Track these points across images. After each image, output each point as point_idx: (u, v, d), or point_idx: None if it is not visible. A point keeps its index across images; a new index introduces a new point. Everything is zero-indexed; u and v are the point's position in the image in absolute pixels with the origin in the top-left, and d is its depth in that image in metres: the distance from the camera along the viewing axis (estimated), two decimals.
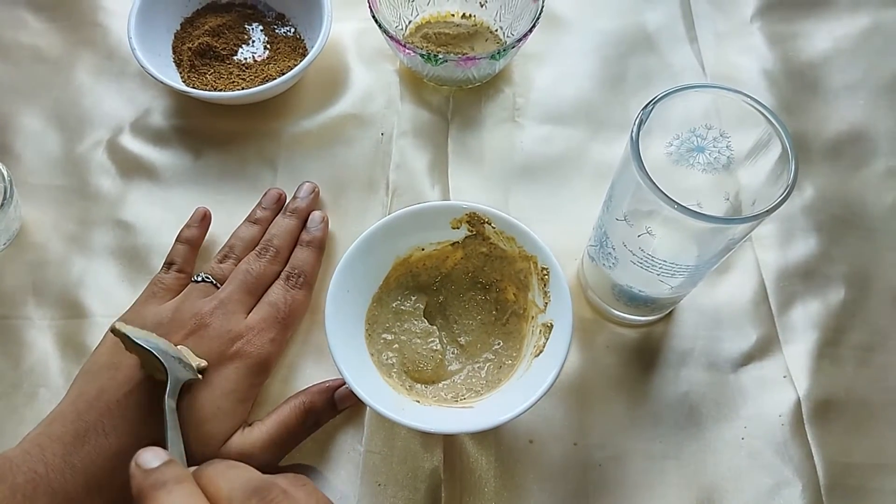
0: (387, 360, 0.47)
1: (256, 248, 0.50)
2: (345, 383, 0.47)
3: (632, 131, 0.39)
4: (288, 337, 0.49)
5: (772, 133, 0.40)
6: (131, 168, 0.58)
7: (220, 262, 0.50)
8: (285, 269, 0.50)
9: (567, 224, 0.55)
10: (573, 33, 0.66)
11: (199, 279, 0.48)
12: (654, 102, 0.40)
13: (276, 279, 0.49)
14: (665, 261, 0.42)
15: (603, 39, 0.65)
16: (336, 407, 0.47)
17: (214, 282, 0.48)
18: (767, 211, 0.37)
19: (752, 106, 0.40)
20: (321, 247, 0.52)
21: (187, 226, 0.52)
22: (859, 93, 0.63)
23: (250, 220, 0.53)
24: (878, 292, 0.53)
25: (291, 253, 0.51)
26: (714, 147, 0.43)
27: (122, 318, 0.46)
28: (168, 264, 0.50)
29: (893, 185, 0.58)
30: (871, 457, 0.48)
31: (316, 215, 0.53)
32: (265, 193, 0.55)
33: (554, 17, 0.66)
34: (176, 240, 0.51)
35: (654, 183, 0.37)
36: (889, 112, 0.62)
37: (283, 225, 0.52)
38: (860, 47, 0.66)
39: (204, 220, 0.53)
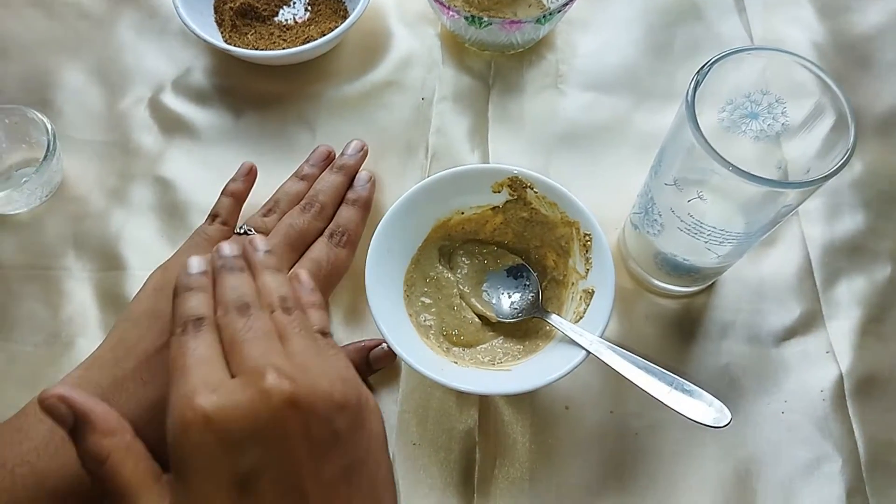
0: (425, 321, 0.47)
1: (301, 203, 0.49)
2: (380, 344, 0.47)
3: (687, 93, 0.38)
4: (328, 295, 0.48)
5: (826, 100, 0.39)
6: (172, 125, 0.58)
7: (265, 216, 0.49)
8: (329, 226, 0.49)
9: (608, 193, 0.54)
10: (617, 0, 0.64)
11: (242, 231, 0.48)
12: (710, 64, 0.39)
13: (319, 236, 0.48)
14: (714, 227, 0.41)
15: (649, 6, 0.64)
16: (371, 367, 0.47)
17: (256, 235, 0.48)
18: (826, 176, 0.36)
19: (810, 70, 0.39)
20: (367, 206, 0.51)
21: (233, 179, 0.51)
22: None
23: (297, 175, 0.52)
24: None
25: (336, 210, 0.50)
26: (769, 114, 0.42)
27: (163, 266, 0.46)
28: (212, 216, 0.49)
29: None
30: None
31: (363, 174, 0.52)
32: (314, 150, 0.54)
33: None
34: (221, 193, 0.51)
35: (710, 145, 0.36)
36: None
37: (329, 181, 0.51)
38: None
39: (250, 174, 0.52)
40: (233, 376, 0.30)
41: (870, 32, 0.63)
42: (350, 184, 0.52)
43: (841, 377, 0.48)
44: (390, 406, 0.47)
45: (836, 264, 0.52)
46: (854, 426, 0.47)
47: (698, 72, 0.39)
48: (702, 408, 0.37)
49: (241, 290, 0.34)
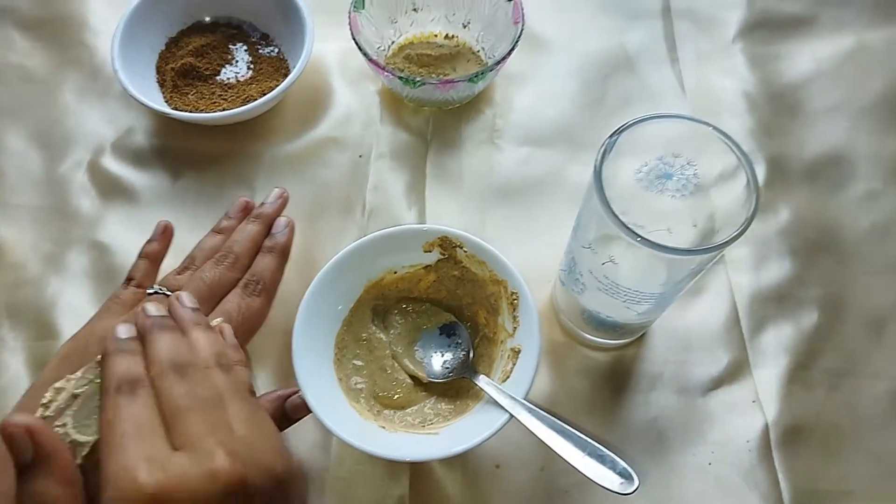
0: (355, 384, 0.47)
1: (216, 256, 0.48)
2: (296, 392, 0.45)
3: (595, 161, 0.39)
4: (245, 345, 0.47)
5: (736, 163, 0.40)
6: (110, 188, 0.58)
7: (179, 274, 0.48)
8: (245, 276, 0.48)
9: (543, 247, 0.55)
10: (555, 54, 0.66)
11: (153, 291, 0.47)
12: (618, 132, 0.40)
13: (235, 287, 0.47)
14: (630, 289, 0.42)
15: (585, 61, 0.65)
16: (289, 417, 0.44)
17: (169, 293, 0.47)
18: (725, 243, 0.37)
19: (718, 136, 0.40)
20: (284, 253, 0.50)
21: (149, 240, 0.51)
22: (840, 115, 0.63)
23: (215, 229, 0.52)
24: (852, 317, 0.53)
25: (253, 260, 0.49)
26: (682, 175, 0.44)
27: (74, 336, 0.45)
28: (127, 279, 0.49)
29: (870, 208, 0.58)
30: (838, 483, 0.48)
31: (281, 220, 0.51)
32: (233, 202, 0.53)
33: (536, 38, 0.67)
34: (138, 255, 0.50)
35: (614, 213, 0.37)
36: (869, 135, 0.62)
37: (245, 231, 0.50)
38: (842, 69, 0.65)
39: (165, 233, 0.51)
40: (175, 447, 0.30)
41: (798, 80, 0.65)
42: (269, 232, 0.51)
43: (767, 427, 0.49)
44: (321, 473, 0.47)
45: (763, 312, 0.53)
46: (780, 477, 0.47)
47: (608, 138, 0.40)
48: (611, 475, 0.38)
49: (176, 349, 0.34)
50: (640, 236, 0.37)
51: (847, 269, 0.55)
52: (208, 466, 0.29)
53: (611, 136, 0.40)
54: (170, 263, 0.51)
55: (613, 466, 0.38)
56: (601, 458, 0.39)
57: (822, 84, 0.65)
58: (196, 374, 0.33)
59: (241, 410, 0.33)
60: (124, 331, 0.35)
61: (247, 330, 0.47)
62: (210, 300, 0.46)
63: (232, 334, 0.38)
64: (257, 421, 0.34)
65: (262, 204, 0.53)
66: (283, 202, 0.53)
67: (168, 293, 0.47)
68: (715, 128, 0.39)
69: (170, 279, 0.48)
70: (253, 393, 0.35)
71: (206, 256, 0.49)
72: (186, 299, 0.38)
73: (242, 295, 0.47)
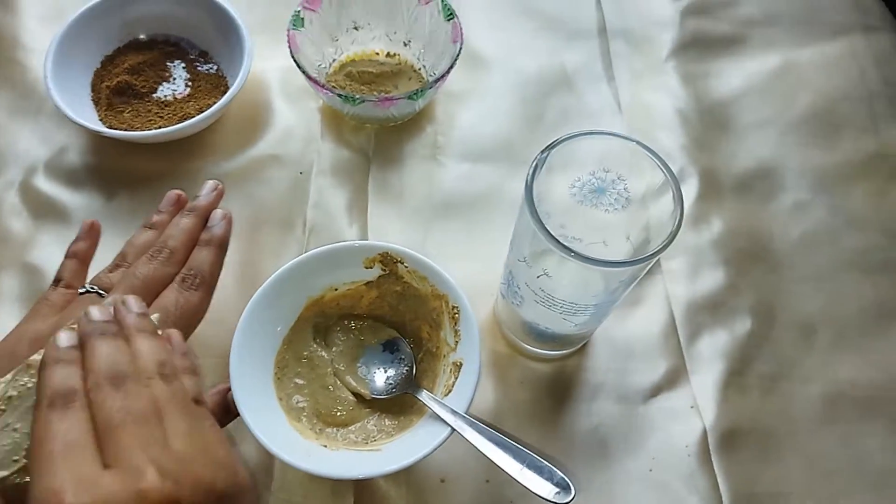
0: (297, 403, 0.47)
1: (150, 251, 0.46)
2: None
3: (527, 176, 0.40)
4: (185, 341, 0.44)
5: (663, 177, 0.41)
6: (43, 210, 0.57)
7: (110, 271, 0.47)
8: (182, 271, 0.46)
9: (485, 261, 0.55)
10: (495, 73, 0.67)
11: (84, 290, 0.45)
12: (549, 148, 0.41)
13: (171, 282, 0.45)
14: (564, 300, 0.43)
15: (524, 79, 0.67)
16: (231, 411, 0.43)
17: (101, 292, 0.45)
18: (652, 255, 0.38)
19: (645, 152, 0.41)
20: (223, 246, 0.48)
21: (75, 240, 0.49)
22: (769, 130, 0.65)
23: (146, 224, 0.50)
24: (784, 323, 0.55)
25: (189, 254, 0.47)
26: (613, 189, 0.45)
27: (4, 339, 0.43)
28: (56, 281, 0.47)
29: (799, 219, 0.60)
30: (775, 485, 0.49)
31: (217, 213, 0.49)
32: (165, 196, 0.51)
33: (477, 56, 0.68)
34: (65, 255, 0.49)
35: (544, 226, 0.38)
36: (797, 148, 0.64)
37: (180, 225, 0.48)
38: (771, 85, 0.68)
39: (91, 231, 0.50)
40: (106, 465, 0.29)
41: (729, 97, 0.67)
42: (205, 225, 0.49)
43: (705, 431, 0.50)
44: (264, 493, 0.47)
45: (698, 320, 0.55)
46: (719, 480, 0.49)
47: (540, 154, 0.41)
48: (548, 486, 0.39)
49: (114, 357, 0.33)
50: (571, 250, 0.37)
51: (778, 278, 0.57)
52: (137, 486, 0.28)
53: (542, 152, 0.41)
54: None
55: (551, 477, 0.39)
56: (539, 470, 0.39)
57: (752, 100, 0.67)
58: (133, 387, 0.32)
59: (181, 423, 0.32)
60: (65, 339, 0.34)
61: (185, 325, 0.45)
62: (145, 297, 0.43)
63: (181, 340, 0.37)
64: (199, 433, 0.32)
65: (196, 197, 0.50)
66: (219, 194, 0.51)
67: (101, 292, 0.45)
68: (639, 143, 0.40)
69: (101, 278, 0.47)
70: (200, 402, 0.34)
71: (138, 252, 0.47)
72: (133, 303, 0.36)
73: (180, 290, 0.45)
